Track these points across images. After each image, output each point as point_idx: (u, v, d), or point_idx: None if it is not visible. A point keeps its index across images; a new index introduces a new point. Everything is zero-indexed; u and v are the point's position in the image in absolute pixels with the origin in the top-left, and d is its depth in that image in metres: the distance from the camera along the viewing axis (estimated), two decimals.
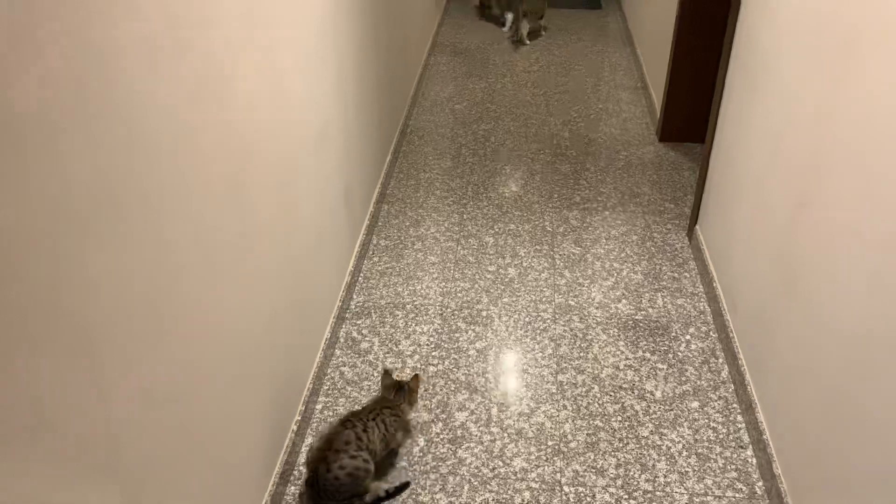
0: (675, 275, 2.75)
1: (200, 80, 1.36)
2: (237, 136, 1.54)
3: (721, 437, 2.09)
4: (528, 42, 5.09)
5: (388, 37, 3.24)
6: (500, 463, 2.02)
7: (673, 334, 2.47)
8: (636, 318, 2.54)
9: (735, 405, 2.19)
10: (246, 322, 1.65)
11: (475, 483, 1.96)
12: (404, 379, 2.08)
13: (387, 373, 2.06)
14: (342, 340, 2.45)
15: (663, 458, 2.03)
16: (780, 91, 2.02)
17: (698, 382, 2.27)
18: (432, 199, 3.26)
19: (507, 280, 2.73)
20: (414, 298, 2.64)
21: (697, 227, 2.85)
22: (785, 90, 1.99)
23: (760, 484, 1.95)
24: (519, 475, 1.98)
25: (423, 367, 2.34)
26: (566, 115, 4.02)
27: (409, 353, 2.40)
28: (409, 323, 2.53)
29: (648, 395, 2.23)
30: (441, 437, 2.10)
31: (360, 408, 2.00)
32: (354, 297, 2.62)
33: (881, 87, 1.46)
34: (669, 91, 3.58)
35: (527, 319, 2.54)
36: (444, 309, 2.59)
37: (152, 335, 1.23)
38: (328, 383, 2.28)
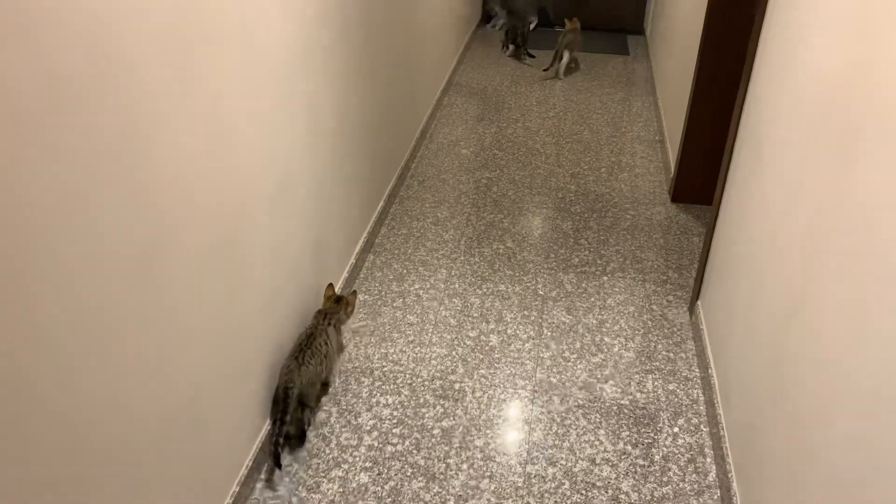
0: (671, 355, 2.53)
1: (103, 137, 1.21)
2: (153, 202, 1.39)
3: None
4: (563, 77, 5.07)
5: (390, 77, 3.11)
6: None
7: (660, 425, 2.24)
8: (622, 402, 2.32)
9: None
10: (162, 401, 1.49)
11: None
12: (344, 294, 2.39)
13: (330, 285, 2.39)
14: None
15: None
16: (782, 174, 1.82)
17: (681, 485, 2.04)
18: (421, 252, 3.09)
19: (487, 348, 2.54)
20: (384, 364, 2.46)
21: (699, 302, 2.63)
22: (785, 174, 1.78)
23: None
24: None
25: (380, 445, 2.15)
26: (576, 167, 3.84)
27: (368, 427, 2.21)
28: (374, 392, 2.34)
29: (623, 496, 2.00)
30: None
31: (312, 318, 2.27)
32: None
33: (882, 200, 1.25)
34: (684, 149, 3.38)
35: (502, 396, 2.33)
36: (413, 378, 2.40)
37: (43, 433, 1.07)
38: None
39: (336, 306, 2.33)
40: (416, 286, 2.86)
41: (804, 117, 1.70)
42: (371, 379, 2.39)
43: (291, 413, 2.02)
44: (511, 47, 5.41)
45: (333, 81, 2.38)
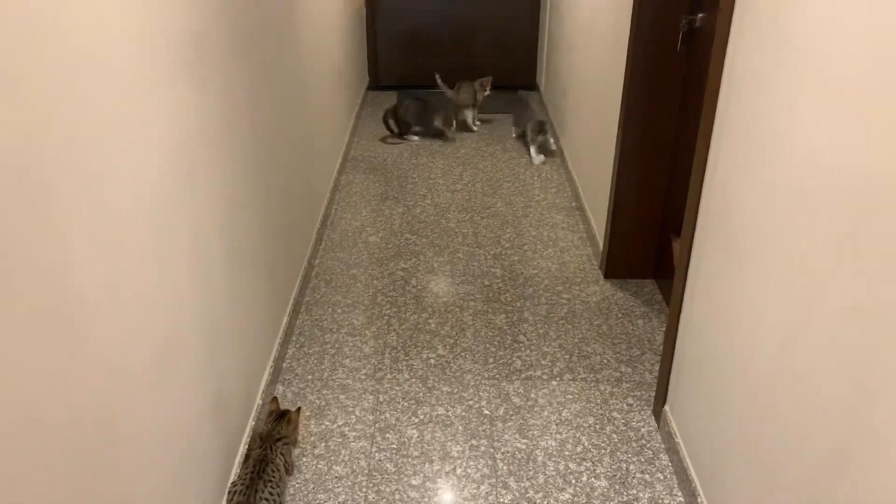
0: (647, 476, 2.19)
1: None
2: None
3: None
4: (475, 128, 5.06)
5: (283, 165, 2.67)
6: None
7: None
8: None
9: None
10: None
11: None
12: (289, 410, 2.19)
13: (275, 399, 2.24)
14: None
15: None
16: (781, 280, 1.52)
17: None
18: (340, 373, 2.62)
19: (436, 499, 2.10)
20: None
21: (666, 408, 2.31)
22: (790, 287, 1.49)
23: None
24: None
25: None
26: (497, 246, 3.51)
27: None
28: None
29: None
30: None
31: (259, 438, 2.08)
32: None
33: None
34: (613, 223, 3.12)
35: None
36: None
37: None
38: None
39: (282, 426, 2.14)
40: (340, 422, 2.39)
41: (815, 225, 1.41)
42: None
43: None
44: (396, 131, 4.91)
45: (219, 193, 1.92)
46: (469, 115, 5.00)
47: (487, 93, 4.99)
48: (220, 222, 1.92)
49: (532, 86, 5.91)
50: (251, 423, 2.23)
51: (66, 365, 1.15)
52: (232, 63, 2.04)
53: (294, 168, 2.91)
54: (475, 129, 5.02)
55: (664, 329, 2.73)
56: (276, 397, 2.25)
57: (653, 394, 2.51)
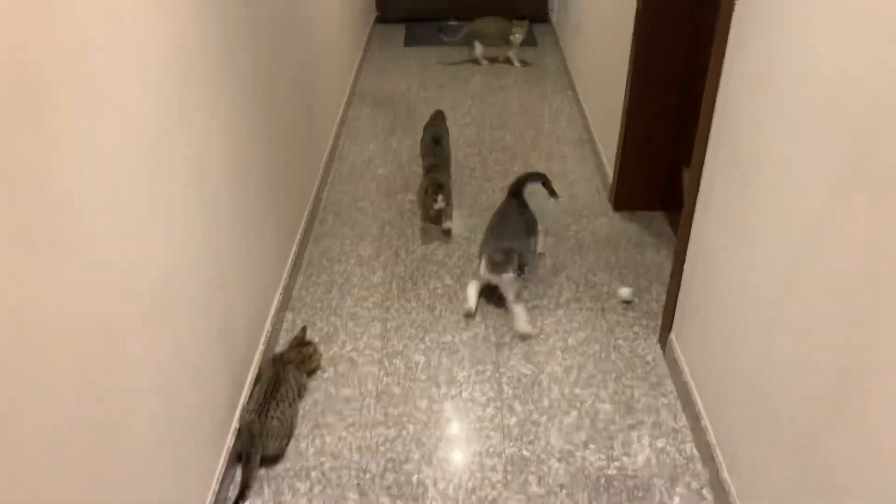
0: (651, 401, 2.21)
1: None
2: None
3: None
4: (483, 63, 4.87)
5: (288, 97, 2.63)
6: None
7: (657, 499, 1.91)
8: (608, 472, 1.98)
9: None
10: None
11: None
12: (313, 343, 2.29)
13: (304, 329, 2.32)
14: None
15: None
16: (790, 207, 1.50)
17: None
18: (348, 302, 2.64)
19: (443, 421, 2.14)
20: (321, 459, 2.02)
21: (672, 335, 2.32)
22: (797, 208, 1.47)
23: None
24: None
25: None
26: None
27: None
28: (314, 501, 1.90)
29: None
30: None
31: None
32: (236, 474, 1.97)
33: None
34: (623, 156, 3.08)
35: (471, 485, 1.95)
36: (361, 475, 1.98)
37: None
38: None
39: (300, 352, 2.21)
40: (348, 348, 2.43)
41: (828, 150, 1.38)
42: (308, 483, 1.95)
43: (253, 478, 1.91)
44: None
45: (222, 119, 1.90)
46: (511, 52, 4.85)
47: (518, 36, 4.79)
48: (221, 153, 1.91)
49: (544, 17, 5.76)
50: (261, 347, 2.26)
51: (68, 276, 1.16)
52: None
53: (299, 101, 2.87)
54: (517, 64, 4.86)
55: (672, 260, 2.72)
56: (305, 327, 2.34)
57: (659, 323, 2.52)
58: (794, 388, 1.50)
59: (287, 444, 2.02)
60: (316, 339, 2.45)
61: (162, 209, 1.51)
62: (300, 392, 2.17)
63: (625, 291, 2.63)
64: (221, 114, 1.89)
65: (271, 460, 1.98)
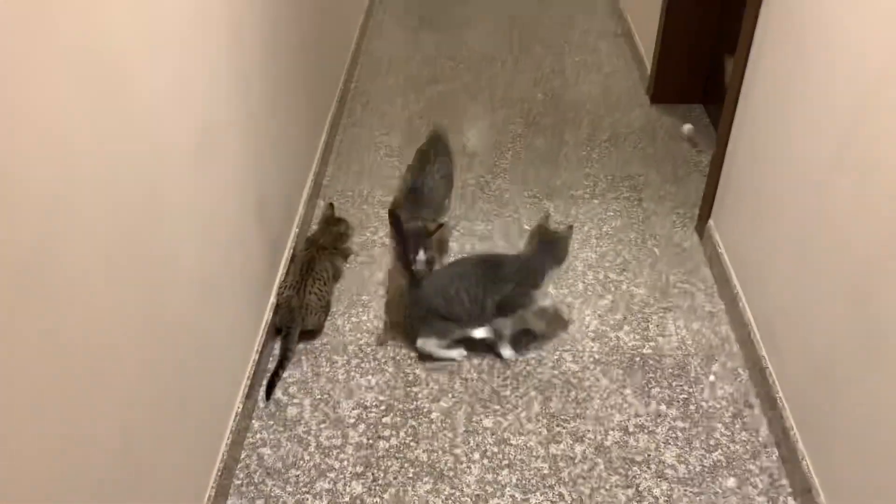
0: (687, 286, 2.19)
1: None
2: (17, 202, 0.89)
3: None
4: None
5: None
6: None
7: (692, 375, 1.92)
8: (644, 352, 1.98)
9: (784, 482, 1.66)
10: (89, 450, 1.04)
11: None
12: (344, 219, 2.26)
13: (331, 205, 2.29)
14: (261, 406, 1.85)
15: None
16: (842, 79, 1.42)
17: (731, 447, 1.74)
18: (379, 192, 2.62)
19: None
20: (358, 335, 2.04)
21: (711, 222, 2.28)
22: (850, 78, 1.39)
23: None
24: None
25: (370, 441, 1.76)
26: (538, 72, 3.37)
27: (351, 420, 1.81)
28: (352, 373, 1.93)
29: (670, 470, 1.69)
30: None
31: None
32: (275, 344, 2.00)
33: None
34: (663, 44, 2.95)
35: (503, 362, 1.96)
36: (397, 350, 2.00)
37: None
38: (242, 474, 1.69)
39: (331, 231, 2.20)
40: (381, 234, 2.41)
41: (889, 21, 1.29)
42: (346, 357, 1.98)
43: (292, 351, 1.94)
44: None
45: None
46: None
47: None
48: (255, 21, 1.84)
49: None
50: (294, 230, 2.25)
51: (110, 112, 1.13)
52: None
53: None
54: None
55: (714, 149, 2.64)
56: (332, 203, 2.30)
57: (697, 212, 2.47)
58: (841, 259, 1.46)
59: (325, 320, 2.04)
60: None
61: (200, 63, 1.47)
62: (335, 274, 2.17)
63: (687, 127, 2.66)
64: None
65: (310, 334, 2.00)
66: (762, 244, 1.89)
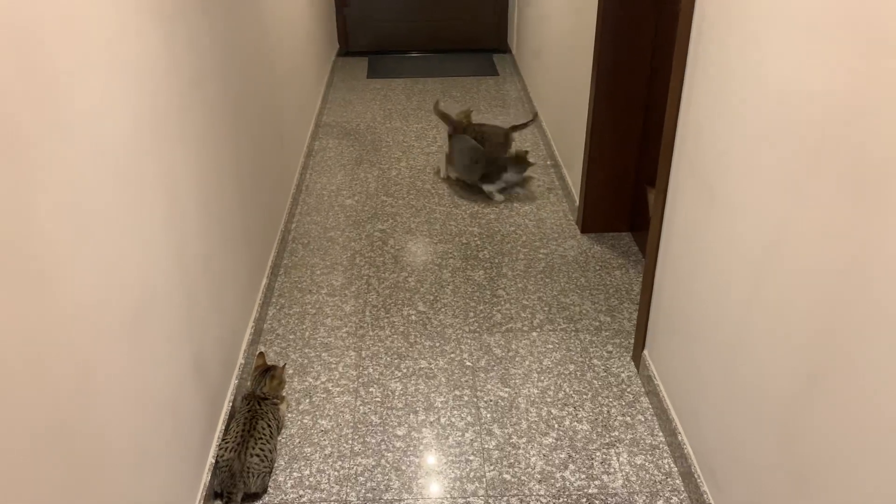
0: (628, 419, 2.23)
1: None
2: None
3: None
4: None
5: (254, 128, 2.63)
6: None
7: None
8: (589, 492, 1.98)
9: None
10: None
11: None
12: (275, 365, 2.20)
13: (261, 354, 2.23)
14: None
15: None
16: (754, 221, 1.54)
17: None
18: (321, 332, 2.62)
19: (422, 448, 2.13)
20: (300, 492, 1.98)
21: (645, 352, 2.35)
22: (761, 222, 1.51)
23: None
24: None
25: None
26: (473, 206, 3.51)
27: None
28: None
29: None
30: None
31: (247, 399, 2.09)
32: None
33: None
34: (588, 178, 3.14)
35: None
36: None
37: None
38: None
39: (266, 383, 2.13)
40: (323, 378, 2.40)
41: (784, 157, 1.43)
42: None
43: None
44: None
45: (191, 148, 1.89)
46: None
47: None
48: (191, 178, 1.90)
49: (504, 48, 5.87)
50: (234, 382, 2.23)
51: (34, 305, 1.13)
52: (197, 16, 2.00)
53: (264, 133, 2.88)
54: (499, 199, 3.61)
55: (641, 278, 2.76)
56: (262, 352, 2.24)
57: (632, 341, 2.55)
58: (765, 395, 1.53)
59: (269, 480, 1.99)
60: (290, 371, 2.42)
61: (134, 237, 1.50)
62: (279, 426, 2.13)
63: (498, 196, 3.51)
64: (191, 143, 1.88)
65: (253, 497, 1.94)
66: (693, 376, 1.96)
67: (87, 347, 1.28)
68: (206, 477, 1.89)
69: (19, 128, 1.08)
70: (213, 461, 1.93)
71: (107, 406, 1.35)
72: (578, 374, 2.42)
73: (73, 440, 1.21)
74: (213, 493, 1.91)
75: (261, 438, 1.95)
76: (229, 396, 2.16)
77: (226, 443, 1.94)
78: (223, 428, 2.05)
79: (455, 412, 2.26)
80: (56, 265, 1.18)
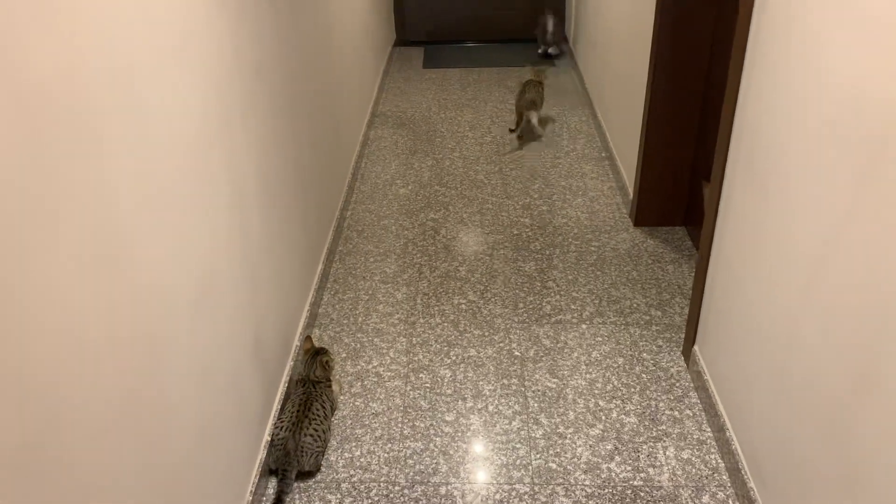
0: (676, 413, 2.23)
1: None
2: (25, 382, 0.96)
3: None
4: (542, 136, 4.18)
5: (313, 118, 2.71)
6: None
7: None
8: (635, 483, 2.00)
9: None
10: None
11: None
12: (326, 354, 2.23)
13: (309, 338, 2.28)
14: None
15: None
16: (809, 218, 1.53)
17: None
18: (374, 318, 2.69)
19: (469, 434, 2.17)
20: (350, 472, 2.06)
21: (696, 347, 2.34)
22: (818, 219, 1.50)
23: None
24: None
25: None
26: (525, 197, 3.53)
27: None
28: None
29: None
30: None
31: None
32: (270, 483, 2.02)
33: None
34: (643, 171, 3.12)
35: (498, 497, 1.97)
36: (390, 487, 2.01)
37: None
38: None
39: (318, 367, 2.18)
40: (375, 363, 2.47)
41: (844, 159, 1.41)
42: (338, 495, 1.99)
43: (287, 494, 1.96)
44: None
45: (254, 137, 1.97)
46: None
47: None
48: (253, 166, 1.98)
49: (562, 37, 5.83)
50: (290, 363, 2.31)
51: (115, 285, 1.22)
52: (263, 10, 2.07)
53: (322, 123, 2.95)
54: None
55: (694, 273, 2.74)
56: (309, 336, 2.31)
57: (682, 336, 2.54)
58: (815, 394, 1.52)
59: (322, 459, 2.06)
60: (343, 355, 2.50)
61: (202, 223, 1.58)
62: (333, 407, 2.21)
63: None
64: (253, 133, 1.96)
65: (306, 474, 2.02)
66: (743, 372, 1.95)
67: (155, 323, 1.36)
68: (261, 454, 1.98)
69: (103, 126, 1.16)
70: (269, 439, 2.02)
71: (173, 381, 1.43)
72: (627, 367, 2.42)
73: (141, 410, 1.30)
74: (269, 469, 2.00)
75: (315, 419, 2.03)
76: (285, 377, 2.25)
77: (281, 422, 2.02)
78: (279, 407, 2.14)
79: (503, 400, 2.29)
80: (134, 249, 1.27)
